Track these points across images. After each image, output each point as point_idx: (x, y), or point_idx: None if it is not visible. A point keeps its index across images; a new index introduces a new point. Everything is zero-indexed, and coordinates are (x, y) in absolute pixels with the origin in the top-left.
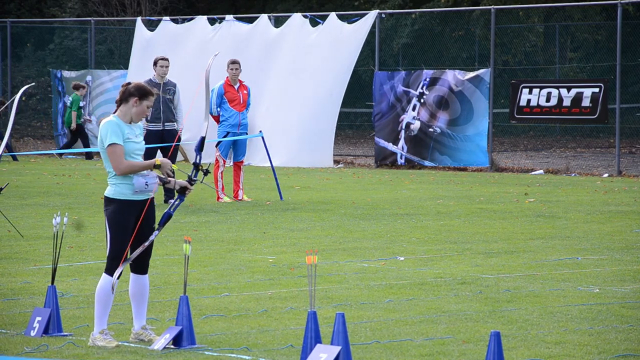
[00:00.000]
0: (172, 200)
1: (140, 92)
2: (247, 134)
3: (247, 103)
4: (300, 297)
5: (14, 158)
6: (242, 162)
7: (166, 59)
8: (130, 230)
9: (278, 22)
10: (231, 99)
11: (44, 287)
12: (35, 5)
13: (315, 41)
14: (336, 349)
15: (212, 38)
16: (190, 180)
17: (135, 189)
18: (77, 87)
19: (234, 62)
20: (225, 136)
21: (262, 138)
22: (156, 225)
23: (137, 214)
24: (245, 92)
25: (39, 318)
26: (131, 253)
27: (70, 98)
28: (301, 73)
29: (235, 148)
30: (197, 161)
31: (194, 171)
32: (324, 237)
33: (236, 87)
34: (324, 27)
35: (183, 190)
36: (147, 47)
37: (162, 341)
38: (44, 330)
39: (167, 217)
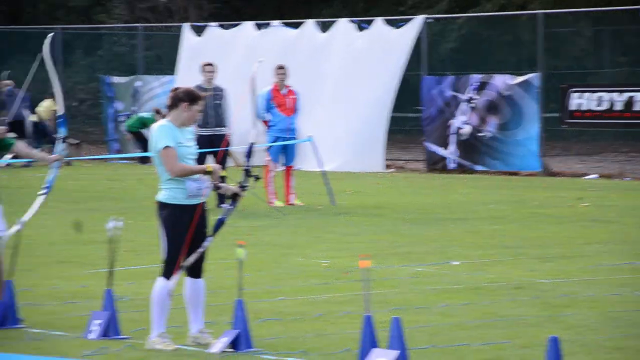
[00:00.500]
0: (224, 206)
1: (189, 97)
2: (296, 138)
3: (295, 108)
4: (355, 301)
5: (68, 163)
6: (292, 166)
7: (212, 64)
8: (185, 234)
9: (324, 27)
10: (279, 103)
11: (101, 291)
12: (84, 12)
13: (362, 46)
14: (394, 353)
15: (259, 43)
16: (242, 187)
17: (188, 194)
18: (159, 112)
19: (280, 67)
20: (275, 141)
21: (313, 143)
22: (210, 231)
23: (191, 218)
24: (293, 96)
25: (97, 321)
26: (186, 258)
27: (147, 115)
28: (349, 78)
29: (285, 153)
30: (248, 167)
31: (245, 177)
32: (376, 242)
33: (284, 92)
34: (371, 32)
35: (235, 197)
36: (194, 53)
37: (219, 345)
38: (103, 333)
39: (220, 224)
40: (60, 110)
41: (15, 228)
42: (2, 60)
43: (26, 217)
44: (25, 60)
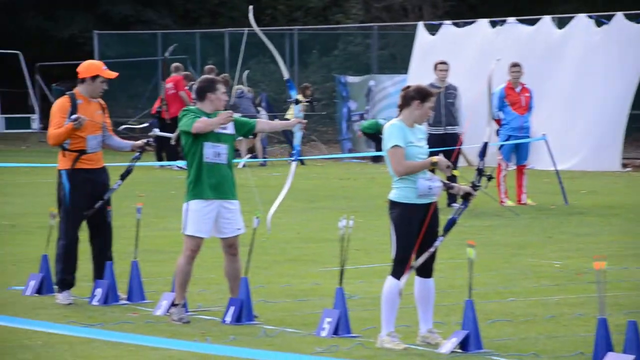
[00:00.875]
0: (455, 205)
1: (421, 95)
2: (529, 137)
3: (529, 106)
4: (589, 304)
5: (302, 162)
6: (524, 165)
7: (445, 63)
8: (415, 234)
9: (561, 23)
10: (512, 102)
11: (332, 289)
12: (321, 12)
13: (601, 42)
14: (630, 358)
15: (494, 41)
16: (474, 186)
17: (419, 193)
18: None
19: (515, 64)
20: (507, 140)
21: (546, 141)
22: (441, 230)
23: (422, 218)
24: (527, 95)
25: (328, 319)
26: (416, 257)
27: (384, 122)
28: (586, 75)
29: (517, 152)
30: (481, 167)
31: (478, 177)
32: (611, 243)
33: (518, 90)
34: (610, 28)
35: (467, 196)
36: (428, 52)
37: (449, 345)
38: (334, 331)
39: (451, 223)
40: (285, 75)
41: (283, 193)
42: (241, 62)
43: (286, 187)
44: (264, 62)
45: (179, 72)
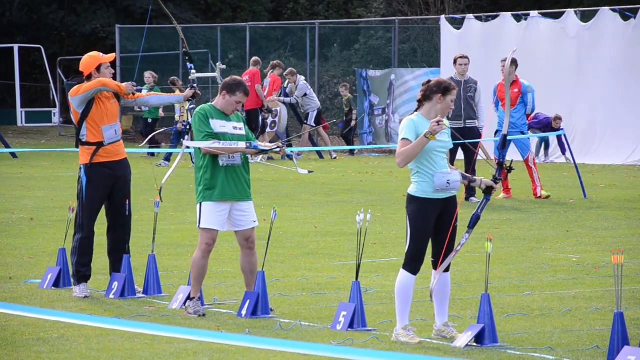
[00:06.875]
0: (473, 199)
1: (442, 88)
2: (524, 133)
3: (517, 102)
4: (606, 298)
5: (320, 155)
6: (526, 160)
7: (465, 57)
8: (430, 229)
9: (585, 17)
10: (503, 98)
11: (348, 282)
12: (343, 6)
13: (629, 37)
14: None
15: (522, 35)
16: (495, 180)
17: (437, 187)
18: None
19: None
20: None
21: (564, 135)
22: (462, 226)
23: (439, 212)
24: (515, 90)
25: (344, 313)
26: (433, 252)
27: None
28: (610, 69)
29: (518, 146)
30: (502, 159)
31: (499, 170)
32: (630, 237)
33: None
34: (638, 22)
35: (489, 190)
36: (456, 45)
37: (464, 339)
38: (349, 324)
39: (476, 219)
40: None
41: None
42: (261, 57)
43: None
44: (285, 55)
45: (257, 66)
